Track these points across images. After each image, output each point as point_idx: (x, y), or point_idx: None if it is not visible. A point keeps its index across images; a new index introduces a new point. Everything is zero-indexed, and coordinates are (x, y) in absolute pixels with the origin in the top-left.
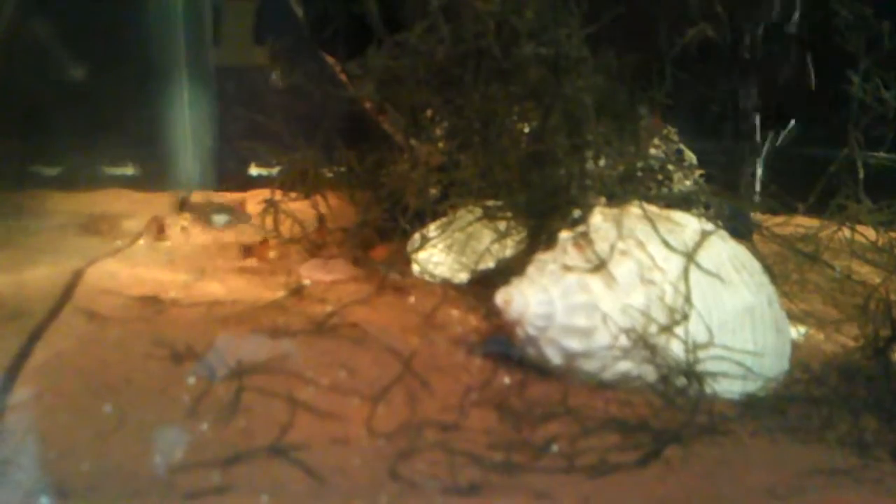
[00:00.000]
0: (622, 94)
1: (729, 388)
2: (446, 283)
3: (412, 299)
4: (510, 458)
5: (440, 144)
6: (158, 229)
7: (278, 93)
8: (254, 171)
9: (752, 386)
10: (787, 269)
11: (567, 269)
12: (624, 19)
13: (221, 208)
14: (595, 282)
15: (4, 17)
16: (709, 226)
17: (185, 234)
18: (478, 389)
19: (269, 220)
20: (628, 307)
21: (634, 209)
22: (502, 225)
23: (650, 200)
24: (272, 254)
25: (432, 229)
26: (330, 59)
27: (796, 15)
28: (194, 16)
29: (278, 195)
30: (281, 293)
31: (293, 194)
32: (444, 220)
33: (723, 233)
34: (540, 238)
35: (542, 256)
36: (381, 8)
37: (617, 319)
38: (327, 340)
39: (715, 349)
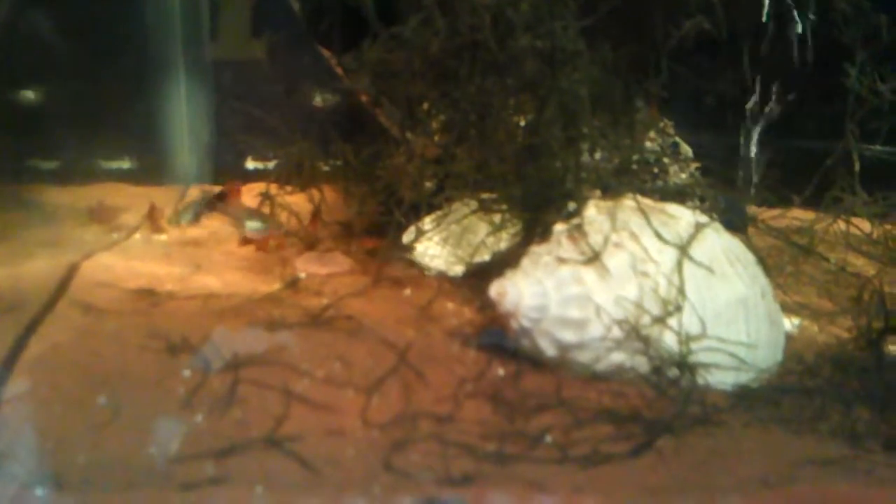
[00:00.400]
0: (618, 86)
1: (722, 379)
2: (442, 276)
3: (408, 292)
4: (503, 449)
5: (436, 137)
6: (155, 222)
7: (276, 87)
8: (251, 164)
9: (745, 377)
10: (782, 262)
11: (561, 261)
12: (620, 11)
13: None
14: (589, 274)
15: (2, 10)
16: (703, 218)
17: (182, 227)
18: (472, 381)
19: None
20: (622, 299)
21: (628, 202)
22: (498, 218)
23: (645, 193)
24: (272, 243)
25: (428, 222)
26: (326, 53)
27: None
28: (191, 9)
29: (274, 188)
30: (277, 286)
31: (289, 187)
32: (439, 212)
33: (717, 225)
34: (535, 231)
35: (537, 249)
36: (376, 1)
37: (610, 311)
38: (323, 333)
39: (708, 340)
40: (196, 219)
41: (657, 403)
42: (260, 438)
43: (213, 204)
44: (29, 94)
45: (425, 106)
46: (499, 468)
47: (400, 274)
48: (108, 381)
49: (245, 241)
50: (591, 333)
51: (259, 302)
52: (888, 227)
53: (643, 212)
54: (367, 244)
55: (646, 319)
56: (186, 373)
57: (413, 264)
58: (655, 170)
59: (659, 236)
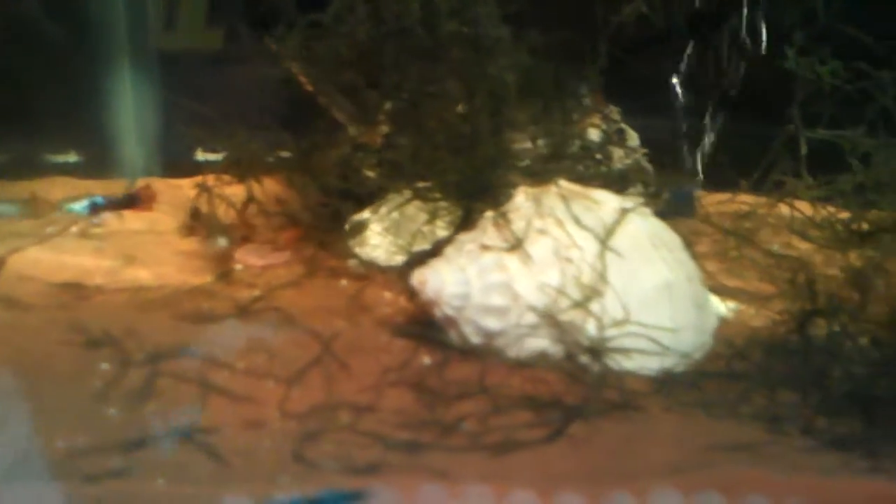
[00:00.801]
0: (549, 72)
1: (645, 364)
2: (382, 266)
3: (344, 282)
4: (417, 438)
5: (383, 127)
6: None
7: (225, 77)
8: (201, 156)
9: (669, 362)
10: (726, 246)
11: (485, 248)
12: None
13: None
14: (512, 260)
15: None
16: (628, 203)
17: (121, 219)
18: (397, 370)
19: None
20: (544, 285)
21: (555, 188)
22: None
23: (584, 180)
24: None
25: (367, 212)
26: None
27: None
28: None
29: (211, 180)
30: (209, 278)
31: (226, 178)
32: (379, 202)
33: (644, 210)
34: (471, 219)
35: (462, 236)
36: None
37: (533, 298)
38: (248, 325)
39: (631, 325)
40: (95, 214)
41: (577, 390)
42: (171, 430)
43: (120, 205)
44: None
45: (369, 95)
46: (407, 457)
47: (338, 264)
48: (26, 376)
49: (188, 229)
50: (513, 320)
51: (189, 294)
52: (831, 209)
53: (564, 197)
54: (298, 234)
55: (566, 305)
56: (104, 366)
57: (353, 254)
58: (598, 156)
59: (578, 222)
